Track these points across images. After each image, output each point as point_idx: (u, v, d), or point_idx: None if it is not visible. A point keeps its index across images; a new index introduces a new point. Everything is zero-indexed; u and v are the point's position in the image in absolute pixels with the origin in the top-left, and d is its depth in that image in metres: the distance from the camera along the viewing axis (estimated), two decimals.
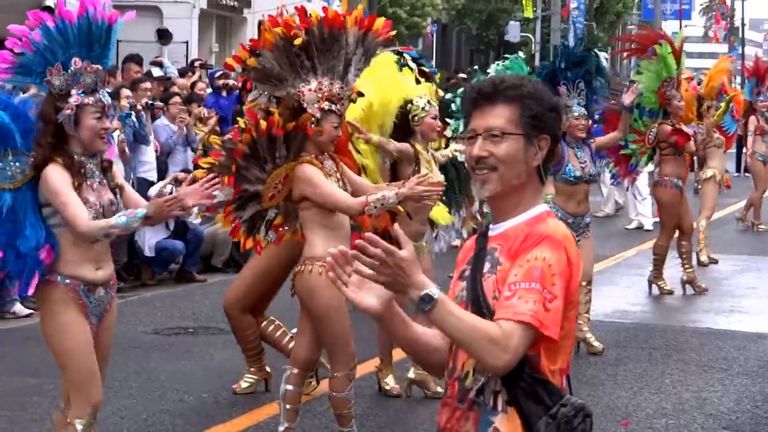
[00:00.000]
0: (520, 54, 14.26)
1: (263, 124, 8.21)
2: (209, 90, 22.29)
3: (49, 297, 7.32)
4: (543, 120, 4.19)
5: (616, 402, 10.56)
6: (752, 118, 21.79)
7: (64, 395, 7.37)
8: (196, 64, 26.61)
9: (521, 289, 3.93)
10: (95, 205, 7.13)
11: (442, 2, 57.23)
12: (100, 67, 7.48)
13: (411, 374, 10.59)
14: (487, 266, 4.14)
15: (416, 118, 10.12)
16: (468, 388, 4.12)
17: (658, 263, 16.33)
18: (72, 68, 7.29)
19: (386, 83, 10.29)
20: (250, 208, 8.48)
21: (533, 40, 56.96)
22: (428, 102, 10.45)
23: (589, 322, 12.62)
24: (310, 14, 8.50)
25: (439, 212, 11.07)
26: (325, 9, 8.75)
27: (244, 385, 10.81)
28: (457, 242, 14.49)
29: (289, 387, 8.60)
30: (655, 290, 16.38)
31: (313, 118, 8.23)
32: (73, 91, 7.25)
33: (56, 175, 7.08)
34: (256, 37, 9.92)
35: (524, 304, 3.89)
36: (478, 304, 4.06)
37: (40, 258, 7.13)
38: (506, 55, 14.42)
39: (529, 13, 55.58)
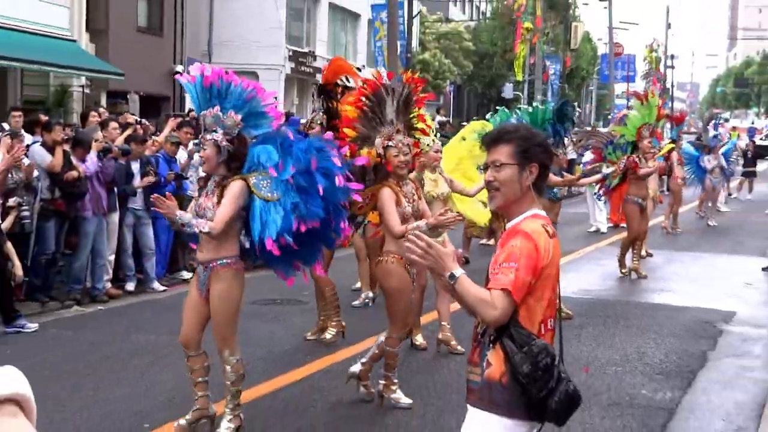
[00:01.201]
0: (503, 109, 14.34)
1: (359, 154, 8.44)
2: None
3: None
4: (532, 153, 4.47)
5: (580, 354, 10.55)
6: (674, 153, 22.14)
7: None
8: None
9: (503, 267, 4.30)
10: (195, 205, 7.62)
11: (457, 69, 57.12)
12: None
13: (439, 335, 10.64)
14: (497, 250, 4.51)
15: (423, 151, 10.12)
16: (478, 331, 4.51)
17: (623, 253, 16.61)
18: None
19: None
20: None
21: (522, 96, 56.87)
22: (433, 140, 10.71)
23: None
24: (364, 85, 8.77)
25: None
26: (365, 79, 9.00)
27: (328, 336, 10.97)
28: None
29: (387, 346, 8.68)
30: (617, 273, 16.61)
31: (377, 154, 8.42)
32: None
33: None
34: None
35: (504, 276, 4.27)
36: (487, 273, 4.44)
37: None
38: (497, 108, 14.72)
39: (519, 77, 55.49)
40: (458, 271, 4.26)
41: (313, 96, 9.85)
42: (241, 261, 7.65)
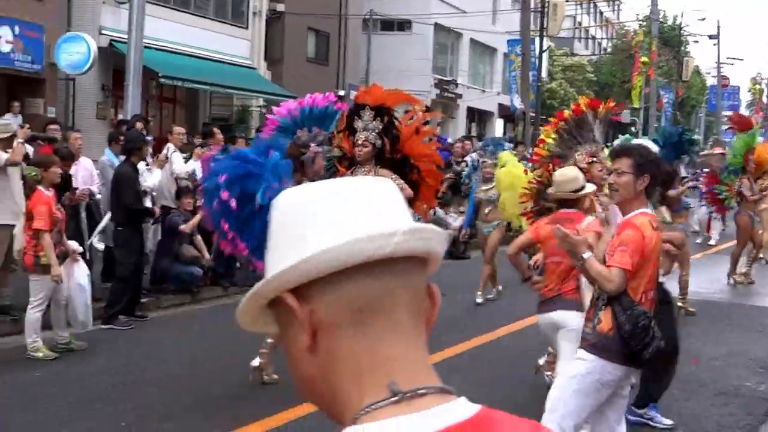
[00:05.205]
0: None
1: (559, 166, 8.45)
2: None
3: None
4: (646, 166, 5.09)
5: (690, 348, 10.19)
6: None
7: None
8: None
9: (618, 250, 4.99)
10: None
11: (579, 97, 56.44)
12: (326, 132, 8.20)
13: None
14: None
15: None
16: (594, 296, 5.25)
17: (733, 263, 16.00)
18: (312, 132, 8.01)
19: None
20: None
21: (638, 121, 55.81)
22: None
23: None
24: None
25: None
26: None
27: None
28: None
29: None
30: (724, 278, 15.99)
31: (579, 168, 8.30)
32: (312, 144, 7.89)
33: None
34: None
35: (620, 257, 4.96)
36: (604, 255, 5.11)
37: None
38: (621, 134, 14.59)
39: (636, 105, 54.43)
40: (587, 254, 4.98)
41: (358, 115, 8.91)
42: None
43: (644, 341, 4.92)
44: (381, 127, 8.87)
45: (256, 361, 8.12)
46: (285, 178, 7.39)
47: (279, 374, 8.10)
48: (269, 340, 8.07)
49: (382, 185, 1.24)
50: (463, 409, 1.18)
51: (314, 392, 1.24)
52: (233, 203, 7.08)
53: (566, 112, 8.65)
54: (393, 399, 1.16)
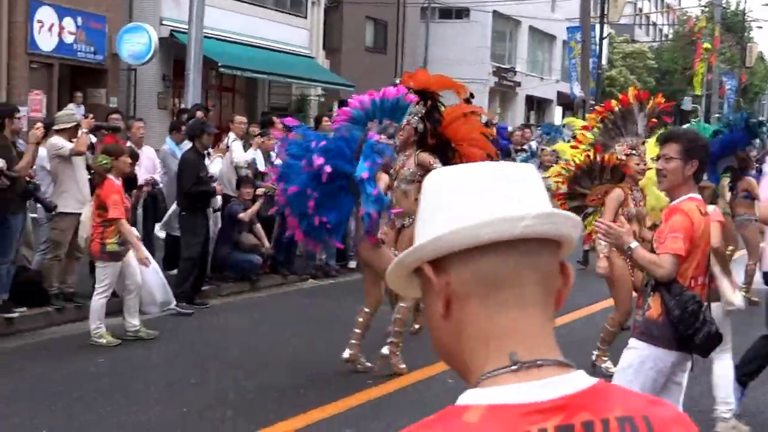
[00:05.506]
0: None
1: (601, 155, 8.47)
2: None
3: None
4: (693, 151, 5.06)
5: (753, 339, 10.09)
6: None
7: None
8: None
9: (669, 236, 4.96)
10: None
11: (640, 84, 55.81)
12: (397, 124, 8.30)
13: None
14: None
15: None
16: (644, 283, 5.33)
17: None
18: (383, 123, 8.16)
19: None
20: (576, 201, 8.70)
21: (700, 108, 55.06)
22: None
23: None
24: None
25: None
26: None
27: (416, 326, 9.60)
28: None
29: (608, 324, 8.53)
30: None
31: (618, 160, 8.39)
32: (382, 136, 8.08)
33: None
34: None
35: (671, 243, 4.94)
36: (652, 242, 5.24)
37: None
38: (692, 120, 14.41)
39: (698, 92, 53.71)
40: (634, 244, 5.00)
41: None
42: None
43: (694, 326, 4.94)
44: (424, 111, 8.85)
45: (346, 353, 8.16)
46: (387, 157, 7.83)
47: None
48: (357, 330, 8.18)
49: (525, 170, 1.37)
50: (579, 380, 1.31)
51: (447, 354, 1.39)
52: (328, 169, 7.42)
53: (613, 103, 8.64)
54: (512, 368, 1.29)
